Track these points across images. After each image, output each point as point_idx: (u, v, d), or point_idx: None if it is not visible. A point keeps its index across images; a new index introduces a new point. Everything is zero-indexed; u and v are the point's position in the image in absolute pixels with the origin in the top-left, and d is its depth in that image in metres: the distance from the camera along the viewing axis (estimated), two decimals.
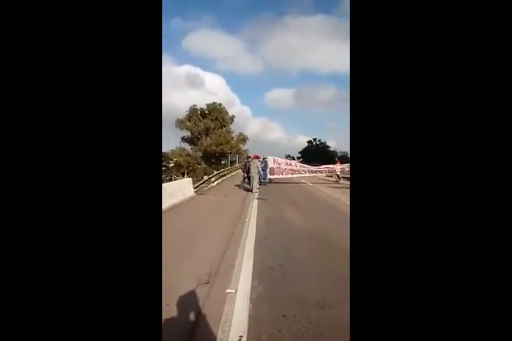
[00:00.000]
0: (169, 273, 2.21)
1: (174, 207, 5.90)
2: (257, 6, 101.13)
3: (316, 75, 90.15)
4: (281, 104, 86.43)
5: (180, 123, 33.69)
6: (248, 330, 1.71)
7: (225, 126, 35.16)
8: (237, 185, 10.01)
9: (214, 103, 34.98)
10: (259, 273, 2.54)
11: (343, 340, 1.62)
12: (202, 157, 34.28)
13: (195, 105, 34.75)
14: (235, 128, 37.31)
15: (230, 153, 31.93)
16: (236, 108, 58.96)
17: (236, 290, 2.21)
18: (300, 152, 47.14)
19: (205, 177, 10.86)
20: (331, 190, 9.97)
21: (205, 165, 32.11)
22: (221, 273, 2.59)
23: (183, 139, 35.22)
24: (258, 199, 7.28)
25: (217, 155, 33.34)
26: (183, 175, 29.20)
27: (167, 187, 6.08)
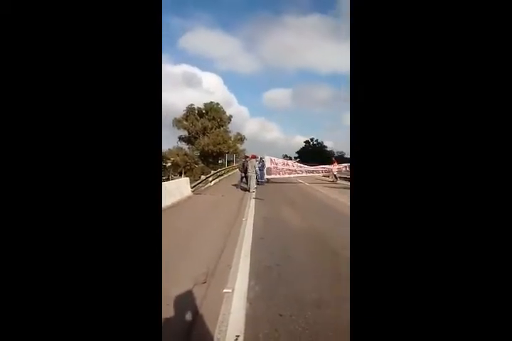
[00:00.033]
0: (166, 272, 2.20)
1: (171, 207, 5.88)
2: (255, 5, 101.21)
3: (314, 75, 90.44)
4: (279, 103, 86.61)
5: (177, 123, 33.55)
6: (245, 330, 1.71)
7: (222, 126, 35.07)
8: (235, 185, 10.01)
9: (211, 102, 34.87)
10: (256, 273, 2.55)
11: (340, 340, 1.63)
12: (199, 156, 34.17)
13: (192, 104, 34.63)
14: (233, 128, 37.27)
15: (228, 152, 31.88)
16: (234, 108, 58.94)
17: (233, 290, 2.21)
18: (297, 152, 47.26)
19: (203, 177, 10.84)
20: (328, 189, 9.99)
21: (202, 165, 32.02)
22: (218, 272, 2.58)
23: (181, 138, 35.09)
24: (255, 198, 7.28)
25: (214, 154, 33.26)
26: (180, 174, 29.14)
27: (165, 186, 6.06)
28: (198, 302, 2.05)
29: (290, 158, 37.30)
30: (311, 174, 13.32)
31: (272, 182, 11.70)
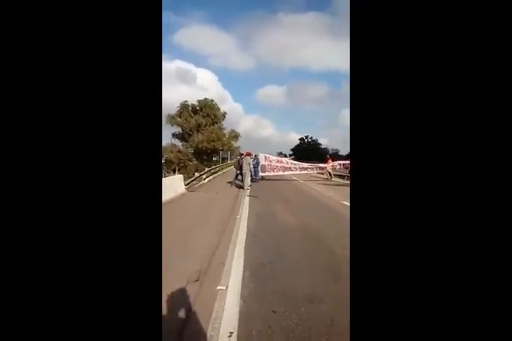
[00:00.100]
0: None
1: (165, 204, 5.85)
2: (250, 3, 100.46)
3: (308, 73, 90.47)
4: (273, 101, 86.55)
5: (170, 119, 33.25)
6: (238, 327, 1.72)
7: (216, 123, 34.90)
8: (229, 182, 9.99)
9: (205, 99, 34.65)
10: (250, 270, 2.56)
11: (332, 334, 1.65)
12: (193, 153, 34.00)
13: (186, 101, 34.35)
14: (227, 125, 37.12)
15: (222, 149, 31.80)
16: (228, 104, 58.77)
17: (227, 287, 2.22)
18: (292, 149, 47.33)
19: (197, 174, 10.80)
20: (323, 187, 10.05)
21: (196, 162, 31.89)
22: (212, 270, 2.59)
23: (174, 135, 34.83)
24: (250, 196, 7.28)
25: (208, 151, 33.13)
26: (174, 171, 28.95)
27: None
28: (191, 299, 2.05)
29: (285, 156, 37.32)
30: (305, 171, 13.38)
31: (267, 179, 11.71)
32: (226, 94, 69.20)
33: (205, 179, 11.19)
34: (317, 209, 5.98)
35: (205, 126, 33.75)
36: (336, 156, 24.47)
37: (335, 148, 45.83)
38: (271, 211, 5.52)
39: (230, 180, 10.21)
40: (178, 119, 33.52)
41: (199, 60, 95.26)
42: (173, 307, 1.93)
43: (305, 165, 13.50)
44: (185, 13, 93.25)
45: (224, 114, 35.61)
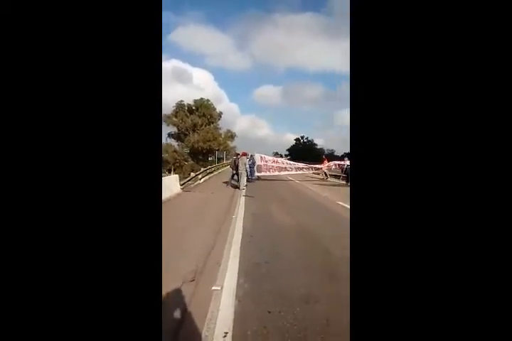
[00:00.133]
0: None
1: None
2: (247, 3, 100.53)
3: (304, 73, 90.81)
4: (269, 101, 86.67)
5: (166, 119, 33.08)
6: (233, 327, 1.71)
7: (212, 123, 34.87)
8: (225, 182, 9.97)
9: (202, 99, 34.63)
10: (246, 270, 2.55)
11: (327, 334, 1.65)
12: (189, 153, 33.88)
13: (182, 101, 34.29)
14: (223, 125, 37.14)
15: (218, 149, 31.76)
16: (224, 104, 58.66)
17: (222, 288, 2.21)
18: (288, 149, 47.42)
19: (192, 174, 10.75)
20: (318, 187, 10.08)
21: (192, 162, 31.78)
22: (207, 270, 2.58)
23: (170, 135, 34.71)
24: (245, 196, 7.28)
25: (204, 151, 33.06)
26: (169, 171, 28.80)
27: None
28: (186, 300, 2.04)
29: (281, 156, 37.39)
30: (301, 171, 13.41)
31: (263, 179, 11.72)
32: (222, 93, 69.23)
33: (200, 179, 11.15)
34: (313, 209, 5.99)
35: (201, 125, 33.70)
36: (331, 156, 24.57)
37: (330, 148, 46.08)
38: (267, 211, 5.52)
39: (225, 180, 10.19)
40: (174, 119, 33.43)
41: (195, 59, 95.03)
42: (169, 307, 1.91)
43: (301, 165, 13.52)
44: (181, 13, 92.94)
45: (220, 114, 35.66)
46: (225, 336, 1.63)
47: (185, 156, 33.39)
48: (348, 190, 9.50)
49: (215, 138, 33.29)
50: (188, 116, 33.61)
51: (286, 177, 13.16)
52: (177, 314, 1.84)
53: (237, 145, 35.38)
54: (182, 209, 5.64)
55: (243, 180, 8.85)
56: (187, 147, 33.76)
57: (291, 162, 13.78)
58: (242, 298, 2.05)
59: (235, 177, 9.57)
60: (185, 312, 1.88)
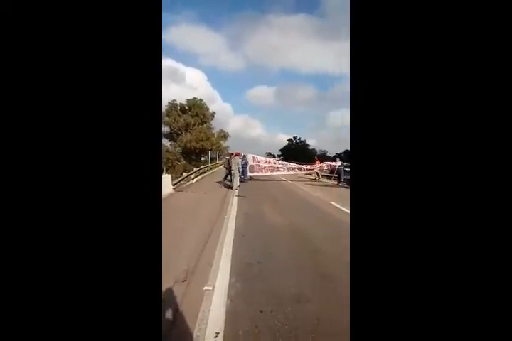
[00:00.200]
0: None
1: None
2: (241, 4, 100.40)
3: (297, 74, 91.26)
4: (263, 101, 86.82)
5: None
6: (225, 327, 1.71)
7: (205, 123, 34.69)
8: (218, 182, 9.94)
9: (194, 98, 34.41)
10: (237, 270, 2.55)
11: (318, 333, 1.67)
12: (181, 153, 33.64)
13: (174, 100, 34.00)
14: (216, 125, 36.99)
15: (211, 149, 31.58)
16: (217, 104, 58.51)
17: (214, 288, 2.21)
18: (280, 150, 47.56)
19: (185, 174, 10.69)
20: (310, 187, 10.14)
21: (184, 162, 31.56)
22: (199, 270, 2.57)
23: (162, 135, 34.36)
24: (238, 196, 7.27)
25: (197, 151, 32.86)
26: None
27: None
28: (178, 300, 2.03)
29: (273, 156, 37.51)
30: (293, 172, 13.47)
31: (255, 179, 11.72)
32: (215, 93, 69.00)
33: (193, 179, 11.09)
34: (305, 209, 6.02)
35: (194, 125, 33.50)
36: (323, 157, 24.70)
37: (323, 149, 46.39)
38: (259, 211, 5.52)
39: (218, 180, 10.16)
40: (167, 118, 33.11)
41: (188, 59, 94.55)
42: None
43: (293, 165, 13.59)
44: (174, 12, 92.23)
45: (213, 114, 35.51)
46: (216, 336, 1.63)
47: (178, 156, 33.11)
48: (339, 190, 9.59)
49: (207, 138, 33.13)
50: (180, 116, 33.37)
51: (279, 178, 13.20)
52: (168, 314, 1.83)
53: (230, 145, 35.35)
54: (174, 209, 5.60)
55: (236, 180, 8.84)
56: (179, 147, 33.52)
57: (284, 162, 13.84)
58: (234, 298, 2.05)
59: (229, 177, 9.55)
60: (176, 312, 1.87)
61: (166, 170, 28.25)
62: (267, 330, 1.69)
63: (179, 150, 33.70)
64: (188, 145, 32.45)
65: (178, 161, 32.19)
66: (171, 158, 31.72)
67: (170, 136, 34.29)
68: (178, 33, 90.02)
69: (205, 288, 2.21)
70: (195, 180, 11.25)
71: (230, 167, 9.11)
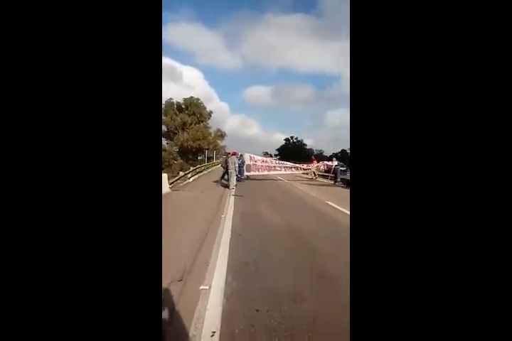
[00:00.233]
0: None
1: None
2: (238, 3, 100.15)
3: (294, 74, 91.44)
4: (260, 100, 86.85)
5: None
6: (221, 326, 1.71)
7: (202, 122, 34.57)
8: (215, 181, 9.92)
9: (191, 97, 34.28)
10: (234, 269, 2.55)
11: (314, 332, 1.67)
12: (178, 152, 33.50)
13: (171, 99, 33.82)
14: (213, 124, 36.96)
15: (208, 148, 31.50)
16: (214, 103, 58.47)
17: (210, 287, 2.21)
18: (277, 149, 47.66)
19: (181, 173, 10.66)
20: (307, 187, 10.16)
21: (181, 161, 31.44)
22: (196, 269, 2.56)
23: None
24: (235, 195, 7.27)
25: (194, 150, 32.75)
26: None
27: None
28: (174, 299, 2.02)
29: (270, 156, 37.57)
30: (290, 171, 13.49)
31: (252, 179, 11.72)
32: (212, 92, 68.87)
33: (190, 178, 11.06)
34: (302, 209, 6.03)
35: (191, 124, 33.36)
36: (320, 157, 24.79)
37: (320, 148, 46.68)
38: (256, 210, 5.52)
39: (215, 179, 10.14)
40: (163, 117, 32.93)
41: (186, 57, 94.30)
42: None
43: (290, 165, 13.61)
44: (172, 10, 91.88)
45: (210, 113, 35.38)
46: (212, 335, 1.63)
47: (175, 155, 32.98)
48: (335, 189, 9.62)
49: (204, 137, 33.02)
50: (177, 115, 33.22)
51: (276, 177, 13.21)
52: (165, 313, 1.83)
53: (227, 144, 35.27)
54: (171, 208, 5.58)
55: (233, 180, 8.83)
56: (176, 146, 33.38)
57: (281, 161, 13.85)
58: (230, 297, 2.06)
59: (226, 176, 9.54)
60: (172, 311, 1.86)
61: (163, 169, 28.15)
62: (263, 329, 1.70)
63: (176, 149, 33.57)
64: (185, 145, 32.32)
65: (175, 160, 32.07)
66: (168, 157, 31.58)
67: (167, 135, 34.11)
68: (175, 32, 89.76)
69: (201, 287, 2.21)
70: (191, 179, 11.22)
71: (227, 166, 9.10)
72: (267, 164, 12.64)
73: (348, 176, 12.57)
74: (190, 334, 1.64)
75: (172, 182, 8.59)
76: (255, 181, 11.29)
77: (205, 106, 35.25)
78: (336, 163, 12.66)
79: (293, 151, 42.18)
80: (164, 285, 2.21)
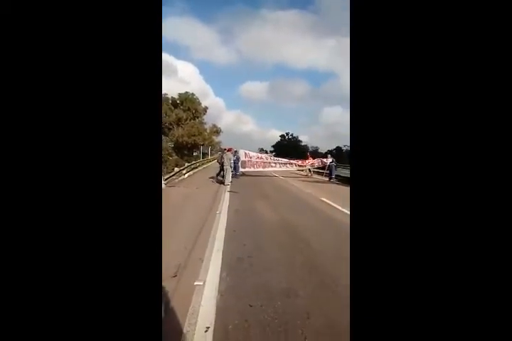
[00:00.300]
0: None
1: None
2: None
3: (290, 70, 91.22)
4: (255, 96, 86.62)
5: None
6: (215, 321, 1.72)
7: (197, 117, 34.36)
8: (211, 177, 9.90)
9: (186, 93, 33.99)
10: (228, 265, 2.56)
11: (307, 328, 1.69)
12: (173, 148, 33.28)
13: (165, 94, 33.47)
14: (208, 120, 36.82)
15: (203, 144, 31.40)
16: (210, 99, 58.22)
17: (204, 282, 2.22)
18: (273, 145, 47.75)
19: (176, 169, 10.60)
20: (302, 183, 10.20)
21: (176, 157, 31.23)
22: (190, 265, 2.57)
23: None
24: (230, 192, 7.26)
25: (189, 146, 32.58)
26: None
27: None
28: (169, 295, 2.02)
29: (266, 152, 37.57)
30: (285, 168, 13.50)
31: (247, 175, 11.72)
32: (208, 88, 68.51)
33: (185, 174, 11.02)
34: (297, 205, 6.06)
35: (186, 120, 33.13)
36: (315, 153, 24.88)
37: (315, 145, 46.88)
38: (251, 207, 5.53)
39: (210, 176, 10.12)
40: None
41: (180, 52, 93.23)
42: None
43: (285, 161, 13.62)
44: (167, 4, 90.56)
45: (205, 109, 35.17)
46: (206, 331, 1.64)
47: (170, 151, 32.75)
48: (330, 186, 9.67)
49: (200, 133, 32.84)
50: (172, 110, 32.94)
51: (271, 173, 13.23)
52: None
53: (223, 140, 35.26)
54: (166, 204, 5.55)
55: (228, 176, 8.82)
56: (171, 141, 33.17)
57: (276, 158, 13.86)
58: (224, 293, 2.07)
59: (222, 172, 9.52)
60: (167, 307, 1.87)
61: None
62: (257, 324, 1.71)
63: (171, 145, 33.33)
64: (180, 140, 32.12)
65: (170, 156, 31.84)
66: (163, 152, 31.39)
67: (161, 131, 33.86)
68: (170, 26, 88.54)
69: (195, 282, 2.22)
70: (186, 175, 11.17)
71: (223, 162, 9.08)
72: (262, 160, 12.63)
73: (339, 172, 12.65)
74: (185, 330, 1.65)
75: (167, 178, 8.55)
76: (250, 177, 11.29)
77: (201, 101, 35.06)
78: (330, 159, 12.70)
79: (288, 148, 42.25)
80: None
